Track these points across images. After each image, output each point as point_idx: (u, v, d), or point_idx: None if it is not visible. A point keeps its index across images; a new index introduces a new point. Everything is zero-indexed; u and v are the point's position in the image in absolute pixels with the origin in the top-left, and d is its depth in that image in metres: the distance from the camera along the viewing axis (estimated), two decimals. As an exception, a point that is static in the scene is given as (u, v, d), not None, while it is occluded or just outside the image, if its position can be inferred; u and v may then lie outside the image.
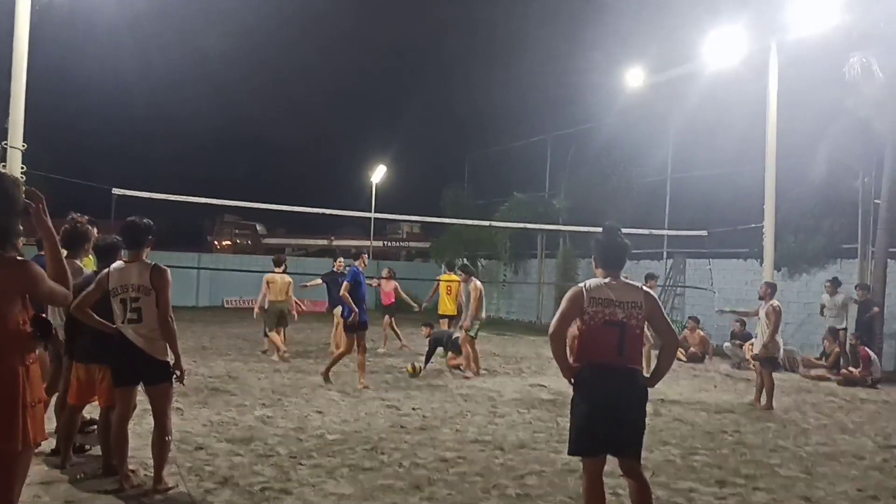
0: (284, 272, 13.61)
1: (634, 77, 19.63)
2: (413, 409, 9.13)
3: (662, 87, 19.92)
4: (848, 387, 12.69)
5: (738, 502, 5.72)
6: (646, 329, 4.84)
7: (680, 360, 14.66)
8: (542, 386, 11.50)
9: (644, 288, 4.60)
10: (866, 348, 13.39)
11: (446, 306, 14.30)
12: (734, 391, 11.83)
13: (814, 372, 13.97)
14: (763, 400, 10.30)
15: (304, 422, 8.12)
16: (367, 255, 12.36)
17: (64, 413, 6.02)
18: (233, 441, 7.08)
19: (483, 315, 12.57)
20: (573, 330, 4.61)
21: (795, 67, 15.08)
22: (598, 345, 4.41)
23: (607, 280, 4.54)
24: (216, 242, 62.62)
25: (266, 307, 13.51)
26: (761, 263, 16.53)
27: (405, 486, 5.78)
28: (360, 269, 11.17)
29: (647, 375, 4.60)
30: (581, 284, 4.57)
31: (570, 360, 4.53)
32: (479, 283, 12.61)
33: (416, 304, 15.11)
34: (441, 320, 14.36)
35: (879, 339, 14.78)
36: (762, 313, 10.61)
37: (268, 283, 13.46)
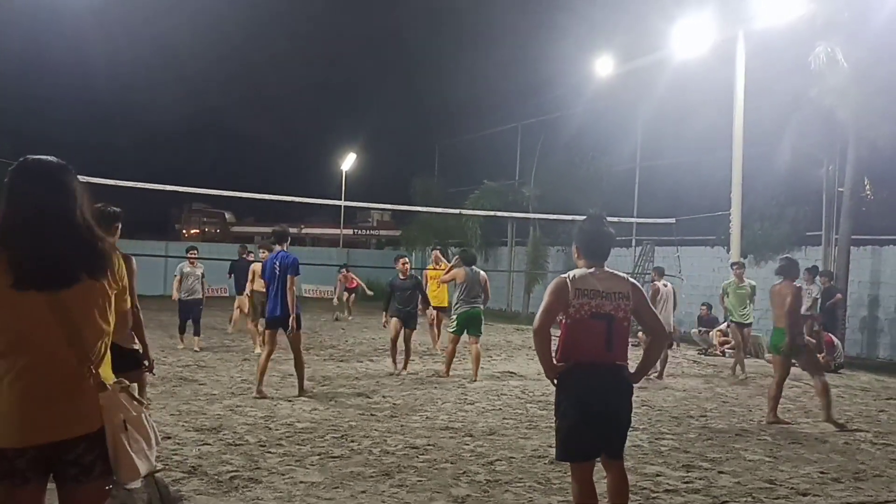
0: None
1: (603, 66, 19.76)
2: (383, 397, 9.13)
3: (631, 76, 20.06)
4: (811, 372, 12.88)
5: (704, 486, 5.79)
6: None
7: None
8: (512, 373, 11.57)
9: (630, 279, 4.39)
10: (830, 334, 13.62)
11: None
12: (701, 377, 11.98)
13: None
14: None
15: (274, 410, 8.08)
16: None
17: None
18: (201, 430, 7.04)
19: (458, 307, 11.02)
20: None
21: (761, 57, 15.27)
22: (585, 340, 4.15)
23: (592, 270, 4.26)
24: (184, 230, 61.96)
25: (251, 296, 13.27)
26: (728, 250, 16.78)
27: (375, 474, 5.79)
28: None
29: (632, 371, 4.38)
30: (565, 275, 4.27)
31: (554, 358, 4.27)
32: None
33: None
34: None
35: (842, 324, 15.04)
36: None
37: (254, 272, 13.12)
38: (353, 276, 21.35)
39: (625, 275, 4.45)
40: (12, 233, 2.70)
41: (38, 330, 2.67)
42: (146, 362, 5.31)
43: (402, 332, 10.96)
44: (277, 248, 9.01)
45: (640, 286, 4.42)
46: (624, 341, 4.27)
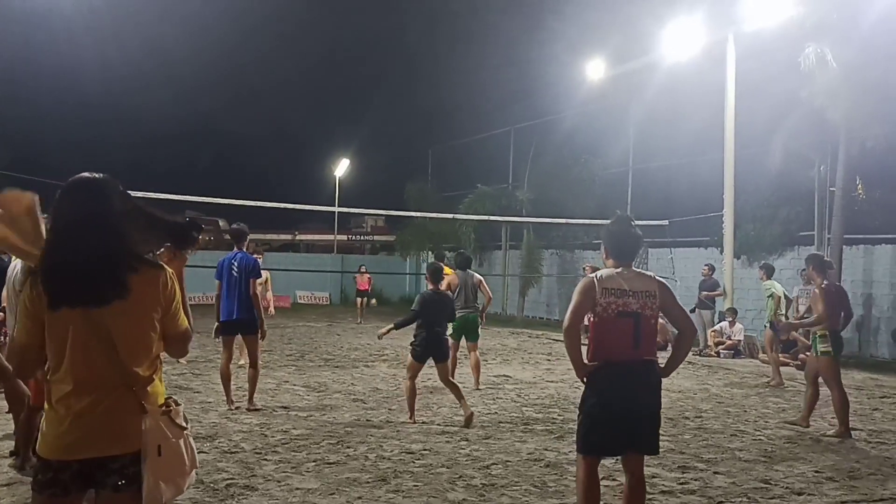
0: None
1: (595, 69, 19.85)
2: (378, 402, 9.12)
3: (623, 78, 20.14)
4: (806, 371, 12.91)
5: (699, 486, 5.81)
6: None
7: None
8: (507, 377, 11.57)
9: (658, 278, 4.47)
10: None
11: None
12: (695, 378, 12.01)
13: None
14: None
15: (269, 417, 8.08)
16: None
17: (23, 415, 5.92)
18: (196, 438, 6.95)
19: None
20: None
21: (752, 58, 15.36)
22: (613, 338, 4.25)
23: (619, 270, 4.37)
24: (178, 238, 61.55)
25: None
26: (721, 251, 16.84)
27: (371, 479, 5.79)
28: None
29: (662, 366, 4.47)
30: (592, 275, 4.38)
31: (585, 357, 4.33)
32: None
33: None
34: None
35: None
36: None
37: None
38: (368, 276, 21.95)
39: (652, 274, 4.56)
40: (49, 250, 2.73)
41: (77, 348, 2.68)
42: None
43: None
44: (235, 248, 8.62)
45: (667, 285, 4.50)
46: (652, 338, 4.36)
